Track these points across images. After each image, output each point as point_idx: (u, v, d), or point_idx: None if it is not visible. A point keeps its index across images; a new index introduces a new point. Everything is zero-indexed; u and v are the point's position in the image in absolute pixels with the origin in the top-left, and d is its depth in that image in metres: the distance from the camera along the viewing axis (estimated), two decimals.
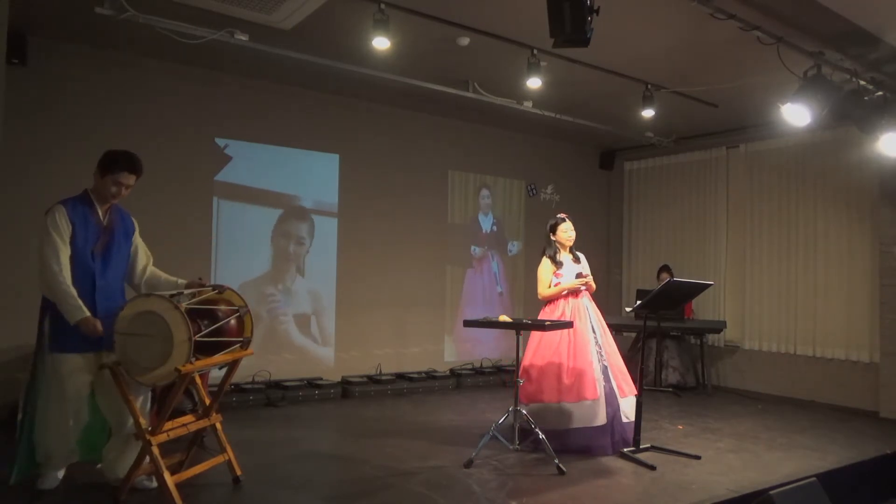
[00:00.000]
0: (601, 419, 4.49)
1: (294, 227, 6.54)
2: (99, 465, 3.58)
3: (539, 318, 4.80)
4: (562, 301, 4.77)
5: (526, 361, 4.71)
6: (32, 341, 3.47)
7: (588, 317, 4.75)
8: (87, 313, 3.28)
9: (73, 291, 3.28)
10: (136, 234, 3.69)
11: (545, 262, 4.87)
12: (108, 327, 3.26)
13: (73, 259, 3.37)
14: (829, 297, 6.85)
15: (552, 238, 4.90)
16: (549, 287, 4.80)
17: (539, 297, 4.87)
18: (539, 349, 4.70)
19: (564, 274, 4.80)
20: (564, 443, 4.42)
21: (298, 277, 6.56)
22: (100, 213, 3.51)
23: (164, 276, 3.70)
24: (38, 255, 3.33)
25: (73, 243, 3.37)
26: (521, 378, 4.60)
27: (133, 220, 3.71)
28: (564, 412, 4.50)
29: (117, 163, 3.46)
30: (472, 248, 7.85)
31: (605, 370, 4.62)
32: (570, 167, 8.78)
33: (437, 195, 7.57)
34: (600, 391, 4.52)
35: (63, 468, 3.55)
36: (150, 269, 3.71)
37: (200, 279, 3.64)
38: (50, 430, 3.39)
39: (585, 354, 4.60)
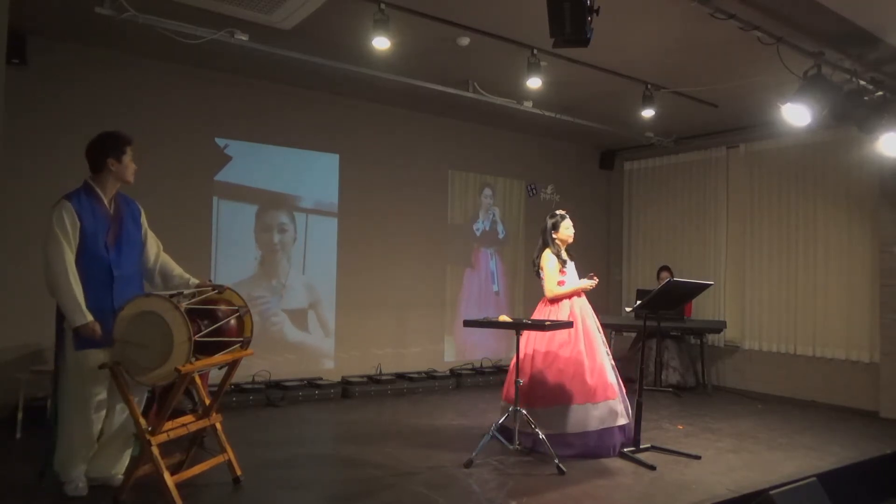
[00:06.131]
0: (623, 417, 4.51)
1: (273, 217, 6.43)
2: None
3: (536, 316, 4.75)
4: (567, 300, 4.68)
5: (533, 365, 4.60)
6: (33, 341, 3.45)
7: (591, 316, 4.73)
8: (89, 319, 3.22)
9: (77, 294, 3.21)
10: (143, 217, 3.63)
11: (553, 260, 4.70)
12: None
13: (87, 254, 3.29)
14: (830, 297, 6.85)
15: (554, 236, 4.77)
16: (558, 286, 4.69)
17: (548, 294, 4.69)
18: (549, 351, 4.58)
19: (568, 272, 4.74)
20: (586, 444, 4.37)
21: (293, 272, 6.52)
22: (106, 203, 3.43)
23: (177, 269, 3.64)
24: (42, 252, 3.25)
25: (84, 238, 3.28)
26: (520, 379, 4.58)
27: (137, 203, 3.63)
28: (589, 414, 4.43)
29: (120, 139, 3.44)
30: (475, 245, 7.86)
31: (612, 369, 4.64)
32: (570, 167, 8.78)
33: (437, 195, 7.57)
34: (618, 390, 4.56)
35: (84, 465, 3.45)
36: (163, 255, 3.66)
37: (210, 281, 3.62)
38: (76, 428, 3.35)
39: (602, 354, 4.60)
